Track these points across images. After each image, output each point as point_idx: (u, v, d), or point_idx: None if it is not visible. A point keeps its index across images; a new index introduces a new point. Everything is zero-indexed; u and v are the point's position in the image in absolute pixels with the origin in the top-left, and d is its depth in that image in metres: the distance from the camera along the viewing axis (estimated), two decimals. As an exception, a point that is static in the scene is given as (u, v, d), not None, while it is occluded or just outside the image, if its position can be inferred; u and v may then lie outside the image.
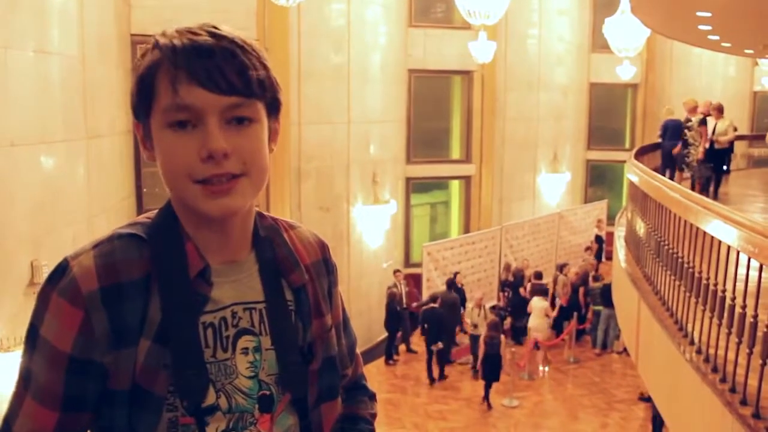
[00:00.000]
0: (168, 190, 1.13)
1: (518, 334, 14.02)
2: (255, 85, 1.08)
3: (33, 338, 1.08)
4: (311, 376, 1.23)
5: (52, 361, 1.06)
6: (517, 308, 14.20)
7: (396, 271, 14.05)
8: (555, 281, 15.03)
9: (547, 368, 13.35)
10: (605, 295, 12.89)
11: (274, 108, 1.15)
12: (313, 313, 1.25)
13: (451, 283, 13.62)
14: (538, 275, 14.37)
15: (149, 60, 1.08)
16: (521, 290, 14.43)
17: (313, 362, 1.23)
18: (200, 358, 1.10)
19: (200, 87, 1.04)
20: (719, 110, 11.41)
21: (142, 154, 1.16)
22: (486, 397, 11.53)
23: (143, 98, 1.08)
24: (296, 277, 1.23)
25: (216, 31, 1.07)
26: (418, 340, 14.26)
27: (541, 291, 13.90)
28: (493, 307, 15.50)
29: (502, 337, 11.70)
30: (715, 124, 11.19)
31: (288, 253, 1.24)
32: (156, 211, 1.18)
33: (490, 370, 11.41)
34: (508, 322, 14.10)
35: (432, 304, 12.90)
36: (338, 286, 1.36)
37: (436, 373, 12.61)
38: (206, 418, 1.11)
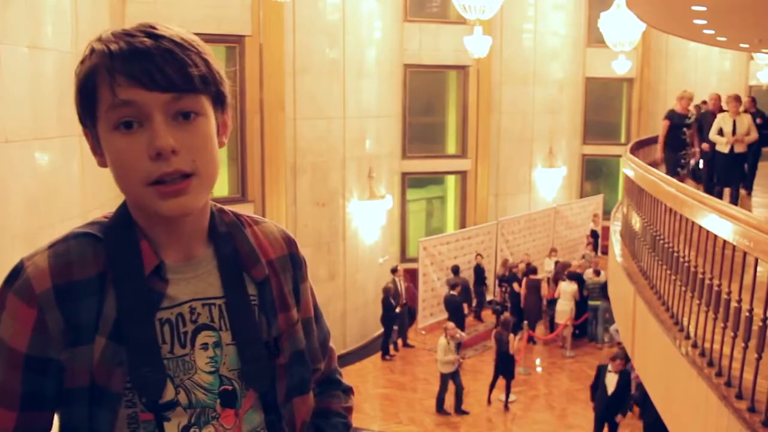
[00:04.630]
0: (121, 192, 1.13)
1: (515, 329, 14.06)
2: (196, 80, 1.07)
3: None
4: (279, 370, 1.23)
5: (9, 360, 1.08)
6: (514, 304, 14.23)
7: (394, 270, 14.02)
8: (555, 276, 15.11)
9: (568, 353, 13.56)
10: (604, 290, 12.94)
11: (219, 101, 1.14)
12: (278, 308, 1.25)
13: (456, 270, 14.00)
14: (533, 270, 14.40)
15: (87, 66, 1.07)
16: (515, 286, 14.46)
17: (280, 357, 1.24)
18: (156, 355, 1.11)
19: (139, 87, 1.04)
20: (737, 100, 9.02)
21: (95, 160, 1.16)
22: (491, 391, 11.47)
23: (86, 105, 1.09)
24: (257, 271, 1.23)
25: (153, 31, 1.07)
26: (415, 336, 14.30)
27: (536, 286, 13.97)
28: (490, 302, 15.55)
29: (511, 336, 11.65)
30: (734, 121, 8.89)
31: (249, 248, 1.24)
32: (114, 211, 1.19)
33: (504, 368, 11.33)
34: (505, 316, 14.13)
35: (452, 292, 13.22)
36: (308, 282, 1.35)
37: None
38: (166, 413, 1.12)
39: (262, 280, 1.23)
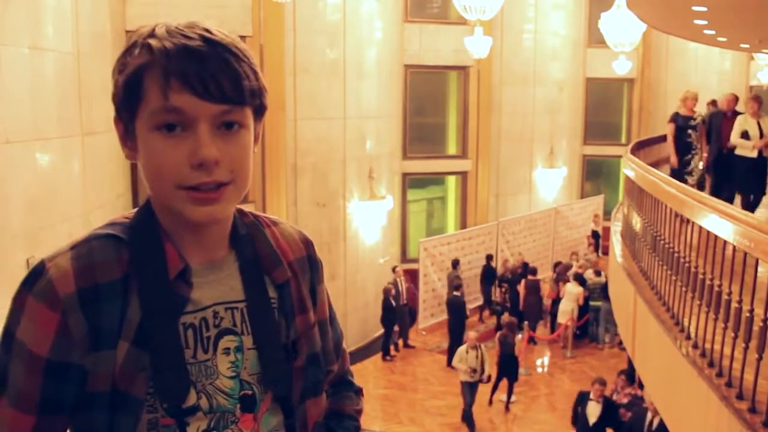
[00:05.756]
0: (150, 191, 1.12)
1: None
2: (247, 93, 1.07)
3: (9, 342, 1.06)
4: (295, 373, 1.22)
5: (29, 365, 1.05)
6: (514, 305, 14.24)
7: (395, 268, 14.07)
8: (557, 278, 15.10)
9: (569, 353, 13.50)
10: (605, 291, 12.96)
11: (260, 112, 1.14)
12: (296, 310, 1.24)
13: (456, 264, 14.18)
14: (533, 271, 14.40)
15: (138, 61, 1.05)
16: (519, 287, 14.47)
17: (297, 359, 1.23)
18: (181, 360, 1.10)
19: (192, 94, 1.02)
20: (758, 101, 8.21)
21: (122, 152, 1.13)
22: (493, 392, 11.40)
23: (130, 100, 1.06)
24: (279, 274, 1.22)
25: (208, 35, 1.06)
26: (415, 336, 14.29)
27: (536, 287, 13.99)
28: (490, 302, 15.55)
29: (518, 338, 11.58)
30: (758, 123, 8.12)
31: (270, 250, 1.23)
32: (135, 211, 1.17)
33: (507, 369, 11.28)
34: (505, 317, 14.15)
35: (455, 292, 13.24)
36: (323, 283, 1.35)
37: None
38: (187, 418, 1.10)
39: (283, 282, 1.23)
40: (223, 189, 1.07)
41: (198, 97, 1.03)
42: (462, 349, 10.87)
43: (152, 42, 1.04)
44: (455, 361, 10.86)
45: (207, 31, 1.07)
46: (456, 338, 12.98)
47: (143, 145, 1.07)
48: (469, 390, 10.72)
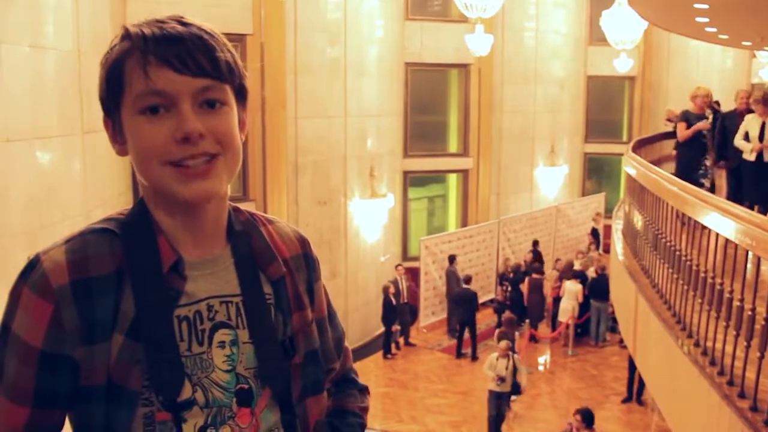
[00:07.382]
0: (141, 179, 1.13)
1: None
2: (223, 67, 1.11)
3: (5, 334, 1.08)
4: (294, 370, 1.23)
5: (23, 356, 1.07)
6: (516, 303, 14.23)
7: (397, 266, 14.11)
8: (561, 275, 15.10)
9: (570, 352, 13.49)
10: (595, 288, 12.98)
11: (241, 95, 1.17)
12: (292, 307, 1.25)
13: (452, 259, 14.34)
14: (536, 269, 14.38)
15: (118, 50, 1.09)
16: (522, 286, 14.45)
17: (296, 356, 1.23)
18: (175, 353, 1.10)
19: (171, 70, 1.05)
20: (765, 103, 7.62)
21: (113, 149, 1.16)
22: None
23: (113, 89, 1.10)
24: (274, 270, 1.23)
25: (184, 20, 1.11)
26: (416, 334, 14.29)
27: (539, 285, 13.99)
28: (491, 301, 15.54)
29: (517, 334, 11.52)
30: (763, 124, 7.58)
31: (265, 247, 1.24)
32: (130, 208, 1.19)
33: None
34: (506, 315, 14.15)
35: (465, 285, 13.34)
36: (321, 281, 1.35)
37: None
38: (183, 413, 1.11)
39: (278, 278, 1.23)
40: (214, 162, 1.09)
41: (176, 72, 1.06)
42: (492, 356, 10.56)
43: (130, 29, 1.10)
44: (485, 367, 10.57)
45: (182, 17, 1.12)
46: (464, 329, 13.11)
47: (129, 131, 1.09)
48: (495, 400, 10.39)
